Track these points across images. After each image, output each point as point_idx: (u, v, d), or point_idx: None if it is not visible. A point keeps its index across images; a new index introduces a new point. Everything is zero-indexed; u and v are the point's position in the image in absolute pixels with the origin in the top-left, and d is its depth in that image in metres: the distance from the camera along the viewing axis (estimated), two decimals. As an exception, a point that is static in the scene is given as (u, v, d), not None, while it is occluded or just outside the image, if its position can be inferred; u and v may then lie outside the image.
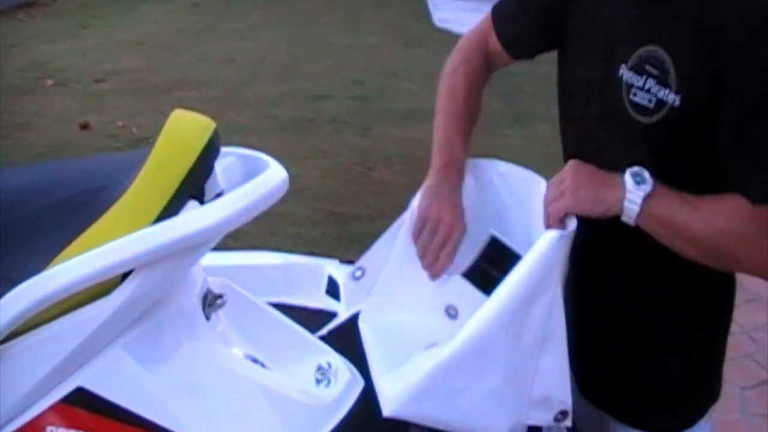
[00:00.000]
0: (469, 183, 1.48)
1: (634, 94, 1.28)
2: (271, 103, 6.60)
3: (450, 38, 9.33)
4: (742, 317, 3.44)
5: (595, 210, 1.27)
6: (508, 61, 1.60)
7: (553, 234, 1.23)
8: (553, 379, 1.24)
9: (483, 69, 1.58)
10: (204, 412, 1.23)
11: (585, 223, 1.28)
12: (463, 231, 1.40)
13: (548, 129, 5.73)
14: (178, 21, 10.00)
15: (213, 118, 1.28)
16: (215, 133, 1.25)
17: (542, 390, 1.24)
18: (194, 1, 11.00)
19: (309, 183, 4.81)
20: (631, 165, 1.26)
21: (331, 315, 1.56)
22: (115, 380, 1.19)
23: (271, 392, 1.28)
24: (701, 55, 1.19)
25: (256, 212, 1.21)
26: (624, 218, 1.25)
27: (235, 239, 3.26)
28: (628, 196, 1.24)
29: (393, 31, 8.88)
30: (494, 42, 1.59)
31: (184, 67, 7.78)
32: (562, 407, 1.26)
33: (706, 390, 1.52)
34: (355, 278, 1.45)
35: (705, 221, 1.23)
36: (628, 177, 1.25)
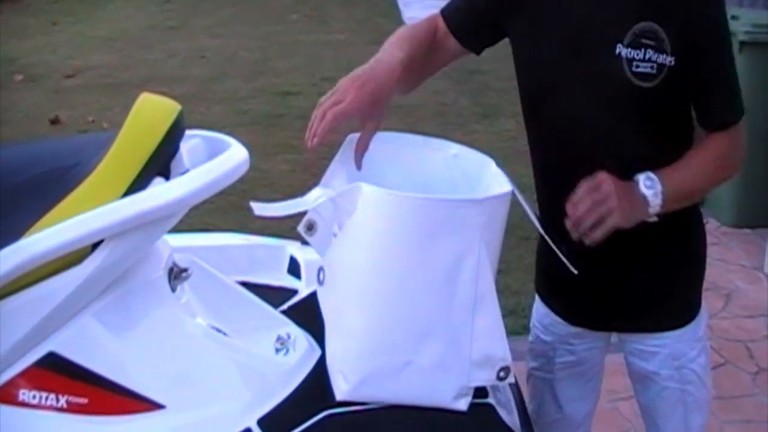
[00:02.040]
0: (422, 162, 1.56)
1: (637, 66, 1.52)
2: (240, 99, 6.66)
3: (419, 36, 9.41)
4: (697, 305, 3.56)
5: (630, 225, 1.50)
6: (455, 46, 1.70)
7: (472, 200, 1.33)
8: (490, 339, 1.32)
9: (429, 33, 1.67)
10: (169, 376, 1.30)
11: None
12: (358, 107, 1.43)
13: (515, 124, 5.83)
14: (148, 17, 10.00)
15: (184, 114, 1.35)
16: (180, 115, 1.33)
17: (481, 351, 1.32)
18: (165, -2, 10.98)
19: (277, 177, 4.88)
20: (622, 129, 1.57)
21: (292, 292, 1.64)
22: (85, 345, 1.26)
23: (233, 358, 1.36)
24: (680, 20, 1.50)
25: (217, 188, 1.29)
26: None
27: (206, 232, 3.33)
28: (650, 211, 1.50)
29: (362, 29, 8.95)
30: (442, 25, 1.70)
31: (155, 63, 7.81)
32: (502, 364, 1.34)
33: (697, 294, 1.78)
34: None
35: (703, 173, 1.58)
36: (645, 191, 1.50)
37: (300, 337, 1.44)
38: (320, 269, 1.44)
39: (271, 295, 1.59)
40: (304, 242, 1.74)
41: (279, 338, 1.43)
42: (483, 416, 1.35)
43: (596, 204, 1.43)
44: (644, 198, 1.49)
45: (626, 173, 1.52)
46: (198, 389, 1.31)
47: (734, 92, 1.59)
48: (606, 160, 1.53)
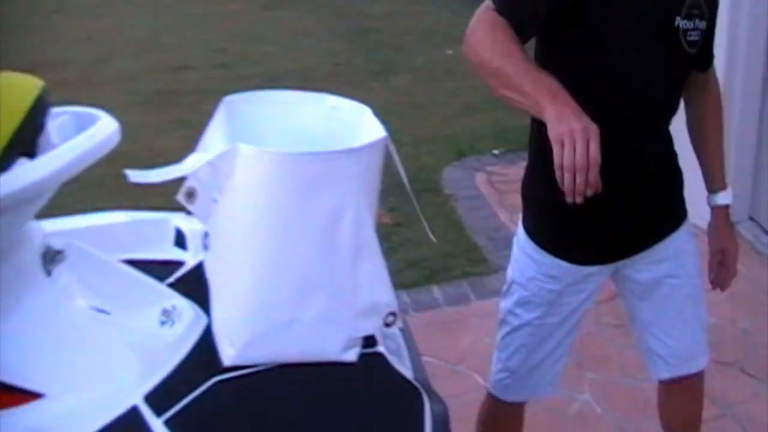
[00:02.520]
0: (301, 116, 1.55)
1: (690, 36, 1.70)
2: (131, 78, 6.51)
3: None
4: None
5: None
6: None
7: (347, 150, 1.33)
8: (374, 287, 1.33)
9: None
10: (46, 363, 1.26)
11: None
12: (597, 132, 1.36)
13: (410, 80, 5.86)
14: (29, 1, 9.66)
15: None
16: (44, 91, 1.29)
17: (366, 299, 1.33)
18: (45, -19, 10.60)
19: (172, 154, 4.73)
20: (666, 92, 1.76)
21: (179, 264, 1.62)
22: None
23: (115, 337, 1.34)
24: None
25: (86, 163, 1.24)
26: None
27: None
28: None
29: (253, -4, 8.82)
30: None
31: (38, 48, 7.56)
32: (388, 310, 1.36)
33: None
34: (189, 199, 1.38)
35: (720, 114, 1.97)
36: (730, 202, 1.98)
37: (186, 308, 1.42)
38: (205, 234, 1.43)
39: (158, 269, 1.57)
40: (189, 212, 1.72)
41: (164, 311, 1.41)
42: (373, 365, 1.36)
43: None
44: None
45: (656, 124, 1.77)
46: (78, 373, 1.27)
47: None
48: (648, 120, 1.74)
